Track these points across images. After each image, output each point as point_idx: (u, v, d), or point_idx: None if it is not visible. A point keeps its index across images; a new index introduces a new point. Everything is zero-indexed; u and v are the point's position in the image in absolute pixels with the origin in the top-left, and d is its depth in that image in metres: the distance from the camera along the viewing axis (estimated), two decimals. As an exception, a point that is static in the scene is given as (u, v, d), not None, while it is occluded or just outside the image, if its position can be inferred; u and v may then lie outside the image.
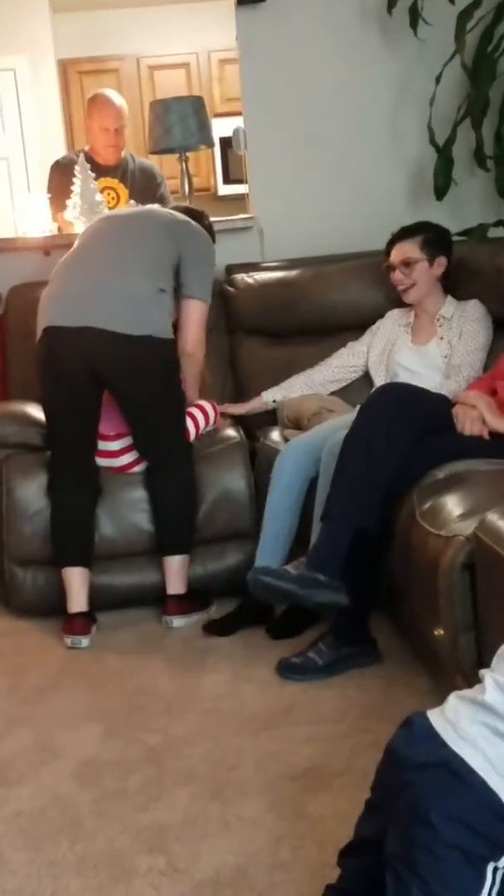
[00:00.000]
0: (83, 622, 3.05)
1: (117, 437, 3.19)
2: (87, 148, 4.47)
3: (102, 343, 3.01)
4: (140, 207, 3.50)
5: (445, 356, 3.25)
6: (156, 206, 3.49)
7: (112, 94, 4.48)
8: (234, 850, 1.92)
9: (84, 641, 3.02)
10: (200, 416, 3.31)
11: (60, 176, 4.30)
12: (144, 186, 4.28)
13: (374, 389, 3.01)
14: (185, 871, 1.87)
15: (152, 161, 4.64)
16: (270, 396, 3.58)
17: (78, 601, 3.08)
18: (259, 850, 1.92)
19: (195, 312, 3.25)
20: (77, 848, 1.98)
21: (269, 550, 2.97)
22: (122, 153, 4.47)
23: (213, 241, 3.43)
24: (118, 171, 4.32)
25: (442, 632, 2.36)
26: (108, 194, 3.97)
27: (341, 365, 3.53)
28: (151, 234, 3.20)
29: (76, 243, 3.29)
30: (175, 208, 3.52)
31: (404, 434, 2.68)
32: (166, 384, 3.15)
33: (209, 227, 3.48)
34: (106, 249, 3.17)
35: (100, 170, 4.16)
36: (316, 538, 2.74)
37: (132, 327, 3.01)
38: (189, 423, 3.26)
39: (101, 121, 4.35)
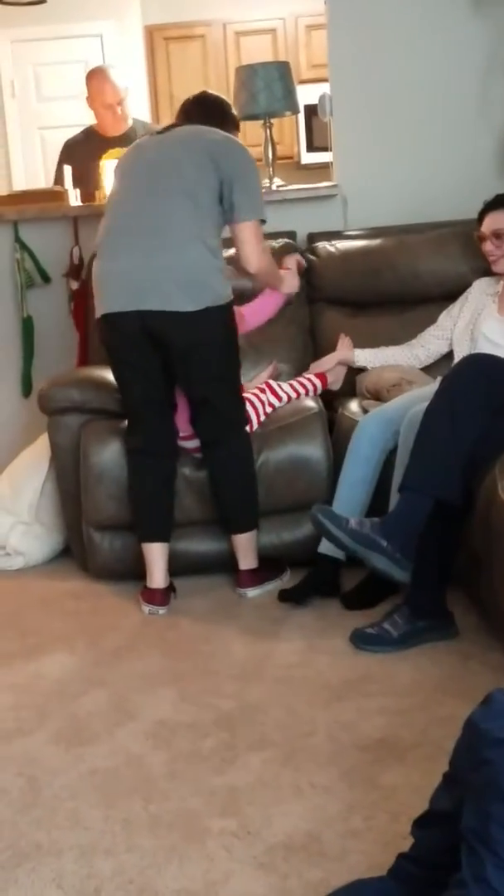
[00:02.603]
0: (162, 594, 3.08)
1: (192, 436, 3.18)
2: (93, 124, 4.61)
3: (163, 324, 2.93)
4: (172, 136, 3.06)
5: (532, 329, 3.18)
6: (188, 129, 3.06)
7: (107, 69, 4.57)
8: (307, 816, 1.93)
9: (161, 611, 3.05)
10: (261, 402, 3.30)
11: (65, 157, 4.50)
12: None
13: (459, 359, 2.95)
14: (258, 835, 1.88)
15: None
16: (362, 356, 3.54)
17: (157, 577, 3.09)
18: (331, 817, 1.92)
19: (247, 232, 2.99)
20: (151, 807, 2.00)
21: None
22: (130, 122, 4.54)
23: (238, 128, 3.23)
24: (126, 140, 4.30)
25: None
26: None
27: (435, 348, 3.47)
28: (193, 173, 2.93)
29: (115, 194, 3.08)
30: (196, 102, 3.18)
31: (489, 405, 2.64)
32: (226, 356, 3.07)
33: (235, 119, 3.25)
34: (149, 208, 2.94)
35: (108, 142, 4.18)
36: (396, 506, 2.72)
37: (190, 303, 2.91)
38: (250, 409, 3.23)
39: (101, 97, 4.44)
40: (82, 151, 4.43)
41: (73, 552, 3.48)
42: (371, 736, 2.22)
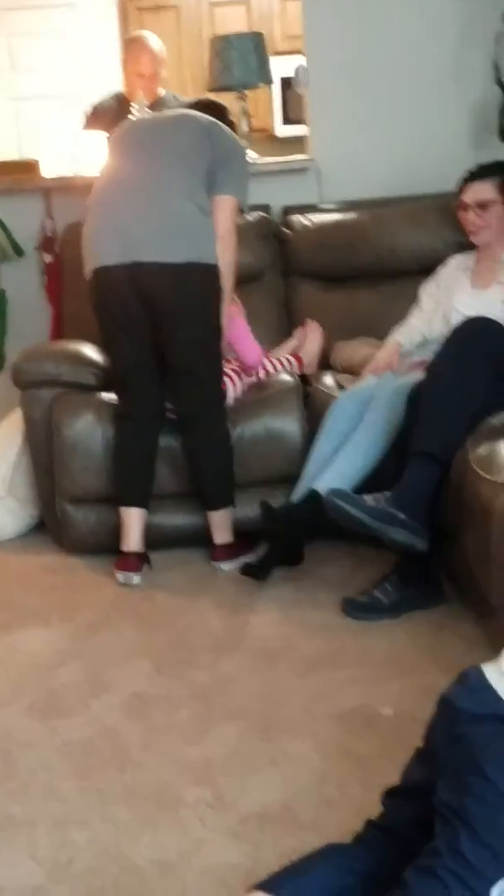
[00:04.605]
0: (136, 560, 3.08)
1: None
2: (123, 90, 4.52)
3: (153, 276, 2.95)
4: (172, 112, 3.28)
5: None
6: (186, 110, 3.25)
7: (149, 37, 4.48)
8: (281, 786, 1.94)
9: (136, 578, 3.05)
10: (238, 377, 3.32)
11: (93, 122, 4.42)
12: None
13: (461, 322, 2.89)
14: (232, 805, 1.89)
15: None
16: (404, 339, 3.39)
17: (133, 540, 3.10)
18: (305, 786, 1.93)
19: (226, 204, 3.08)
20: (125, 778, 2.01)
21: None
22: (162, 92, 4.48)
23: (234, 132, 3.32)
24: (156, 109, 4.27)
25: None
26: None
27: (420, 328, 3.44)
28: (188, 141, 3.05)
29: (109, 160, 3.15)
30: (196, 104, 3.38)
31: (496, 368, 2.65)
32: (212, 323, 3.08)
33: (231, 124, 3.35)
34: (144, 168, 3.03)
35: None
36: (406, 475, 2.66)
37: (179, 254, 2.95)
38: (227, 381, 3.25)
39: (135, 66, 4.40)
40: (111, 116, 4.33)
41: (48, 526, 3.46)
42: (345, 706, 2.24)
